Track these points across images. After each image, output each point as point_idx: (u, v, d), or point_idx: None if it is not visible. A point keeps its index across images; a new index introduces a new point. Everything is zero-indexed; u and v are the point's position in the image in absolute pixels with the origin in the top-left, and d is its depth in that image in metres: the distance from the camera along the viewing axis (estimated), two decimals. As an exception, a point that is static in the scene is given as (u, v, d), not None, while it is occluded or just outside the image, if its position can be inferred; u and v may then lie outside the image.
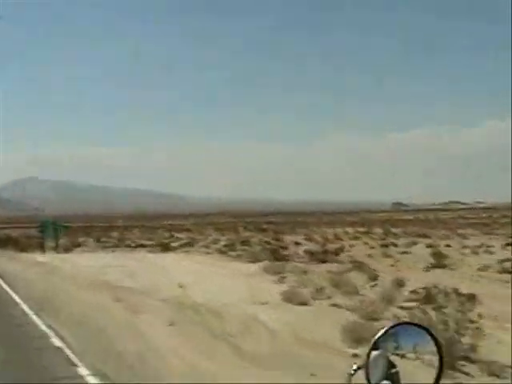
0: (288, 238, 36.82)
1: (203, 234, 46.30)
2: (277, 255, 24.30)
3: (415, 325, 1.68)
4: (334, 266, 19.66)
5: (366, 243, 29.43)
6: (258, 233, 45.00)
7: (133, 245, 34.23)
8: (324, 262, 22.33)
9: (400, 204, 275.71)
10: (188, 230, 52.32)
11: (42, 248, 29.19)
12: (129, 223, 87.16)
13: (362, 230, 41.27)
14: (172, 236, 42.33)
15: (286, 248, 29.63)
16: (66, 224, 37.60)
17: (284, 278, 14.08)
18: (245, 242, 34.22)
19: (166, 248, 29.18)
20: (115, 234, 47.49)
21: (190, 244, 33.54)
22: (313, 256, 24.44)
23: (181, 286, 13.24)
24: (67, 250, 29.63)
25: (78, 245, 33.93)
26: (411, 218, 71.48)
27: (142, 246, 33.24)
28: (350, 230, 43.59)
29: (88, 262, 21.03)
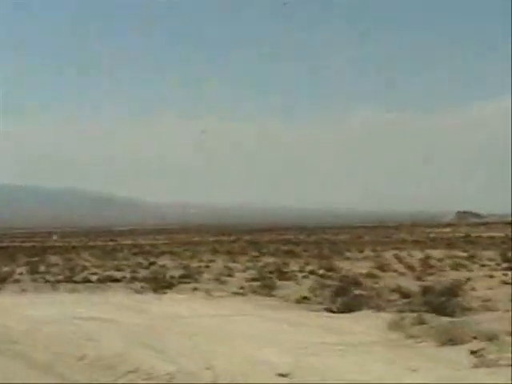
0: (343, 266, 33.62)
1: (197, 257, 43.17)
2: (351, 297, 21.63)
3: None
4: (484, 320, 16.22)
5: (491, 276, 26.04)
6: (285, 257, 41.94)
7: (94, 278, 30.62)
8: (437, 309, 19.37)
9: (469, 214, 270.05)
10: (171, 253, 48.88)
11: None
12: (66, 240, 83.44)
13: (461, 254, 38.18)
14: (151, 263, 38.76)
15: (357, 283, 26.52)
16: None
17: (478, 352, 10.33)
18: (279, 273, 31.19)
19: (158, 284, 25.58)
20: (56, 259, 44.14)
21: (189, 277, 30.04)
22: (409, 297, 21.81)
23: (281, 375, 9.54)
24: (-11, 287, 26.50)
25: (3, 279, 30.35)
26: (501, 234, 68.29)
27: (112, 279, 29.72)
28: (435, 252, 40.54)
29: (42, 312, 17.64)
